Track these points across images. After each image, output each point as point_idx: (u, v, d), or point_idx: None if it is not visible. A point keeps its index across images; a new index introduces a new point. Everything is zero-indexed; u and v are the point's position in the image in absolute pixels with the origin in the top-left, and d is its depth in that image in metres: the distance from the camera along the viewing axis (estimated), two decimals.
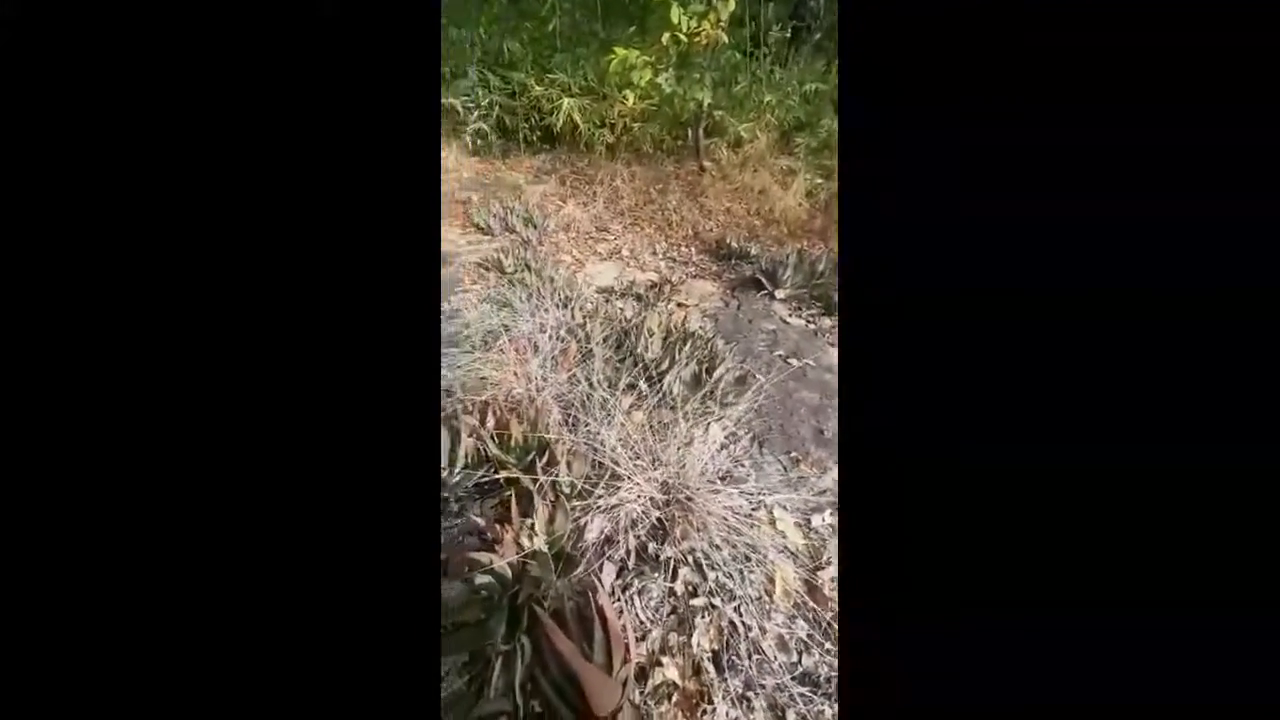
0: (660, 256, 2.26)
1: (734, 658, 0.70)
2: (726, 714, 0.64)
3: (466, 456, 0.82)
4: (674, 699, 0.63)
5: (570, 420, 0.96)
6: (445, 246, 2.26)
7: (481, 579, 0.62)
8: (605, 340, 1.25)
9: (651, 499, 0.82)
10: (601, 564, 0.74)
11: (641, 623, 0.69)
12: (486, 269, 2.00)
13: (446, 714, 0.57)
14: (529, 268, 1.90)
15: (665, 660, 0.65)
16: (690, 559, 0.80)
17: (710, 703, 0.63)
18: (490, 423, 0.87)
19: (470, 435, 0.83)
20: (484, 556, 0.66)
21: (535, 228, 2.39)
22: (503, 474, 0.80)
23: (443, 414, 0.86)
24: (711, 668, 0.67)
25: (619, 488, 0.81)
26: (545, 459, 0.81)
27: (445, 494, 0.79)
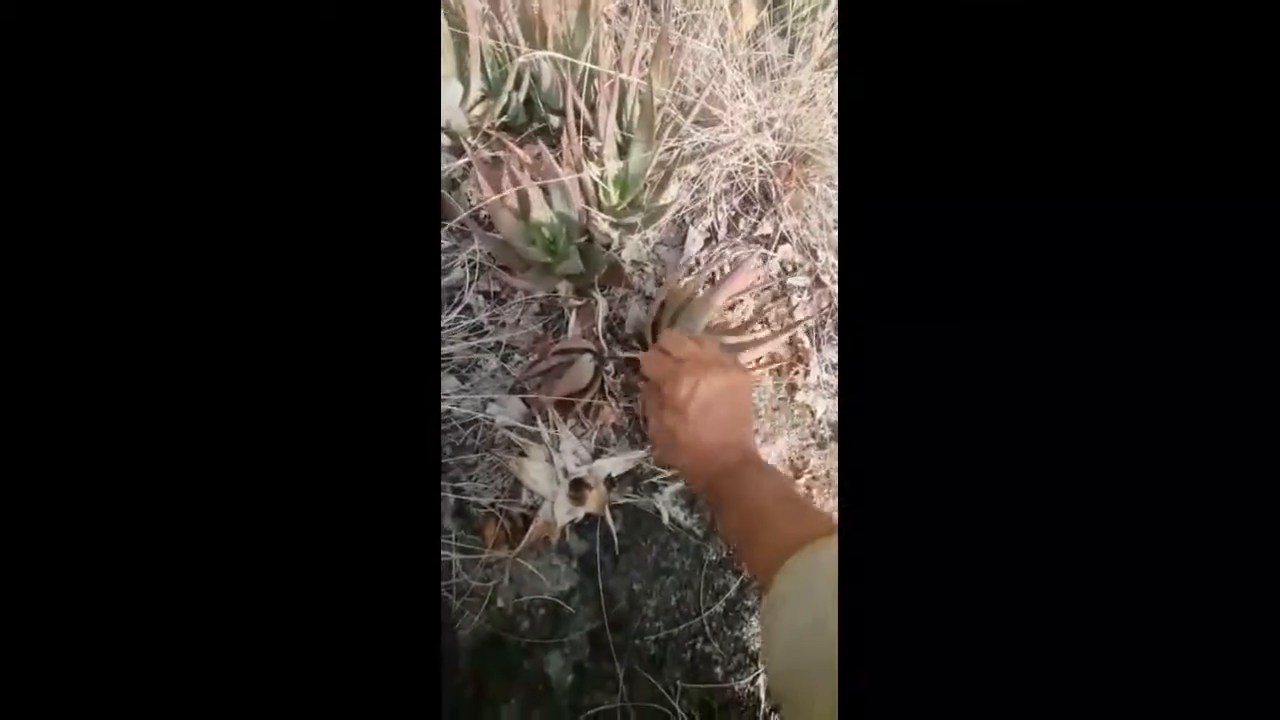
0: None
1: (832, 333, 0.62)
2: (819, 378, 0.61)
3: (485, 67, 0.53)
4: (763, 361, 0.58)
5: (636, 21, 0.60)
6: None
7: (539, 216, 0.46)
8: None
9: (760, 149, 0.57)
10: (685, 233, 0.58)
11: (735, 296, 0.58)
12: None
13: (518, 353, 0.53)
14: None
15: (759, 328, 0.56)
16: (797, 236, 0.62)
17: (805, 365, 0.58)
18: (511, 18, 0.53)
19: (487, 33, 0.51)
20: (535, 193, 0.48)
21: None
22: (538, 54, 0.52)
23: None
24: (807, 338, 0.60)
25: (715, 124, 0.55)
26: (604, 63, 0.51)
27: (465, 139, 0.55)
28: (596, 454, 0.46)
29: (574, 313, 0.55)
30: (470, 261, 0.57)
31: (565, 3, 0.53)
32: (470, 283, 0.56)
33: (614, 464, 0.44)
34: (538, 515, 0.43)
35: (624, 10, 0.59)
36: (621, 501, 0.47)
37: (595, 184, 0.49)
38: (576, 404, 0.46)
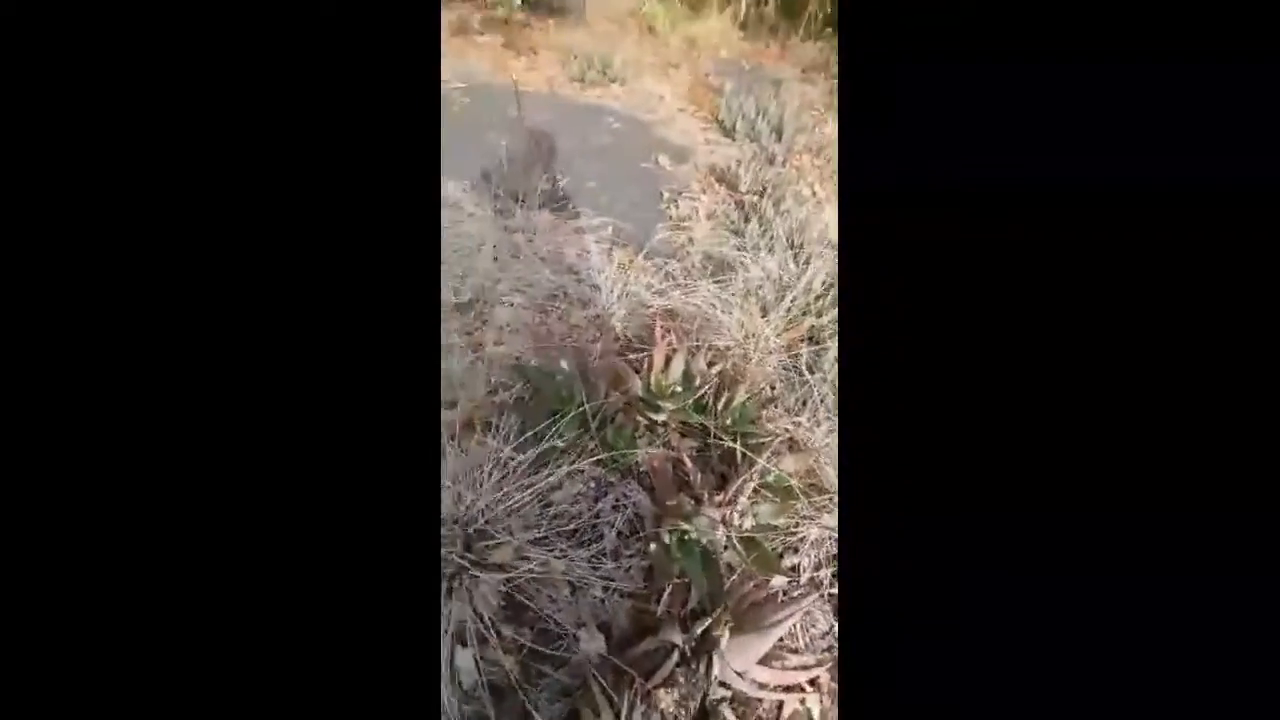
0: None
1: None
2: None
3: (692, 399, 0.83)
4: None
5: (788, 407, 0.89)
6: (682, 139, 2.13)
7: (699, 530, 0.67)
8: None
9: None
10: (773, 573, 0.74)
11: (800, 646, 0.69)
12: (719, 179, 1.84)
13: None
14: (765, 193, 1.68)
15: (809, 688, 0.65)
16: None
17: None
18: (711, 372, 0.86)
19: (700, 382, 0.83)
20: (688, 503, 0.70)
21: (781, 140, 2.05)
22: (721, 440, 0.80)
23: (660, 335, 0.87)
24: None
25: (829, 502, 0.75)
26: (761, 442, 0.77)
27: (659, 417, 0.84)
28: None
29: (670, 584, 0.70)
30: (619, 504, 0.79)
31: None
32: (612, 522, 0.77)
33: None
34: None
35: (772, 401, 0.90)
36: None
37: (730, 535, 0.70)
38: (650, 688, 0.58)
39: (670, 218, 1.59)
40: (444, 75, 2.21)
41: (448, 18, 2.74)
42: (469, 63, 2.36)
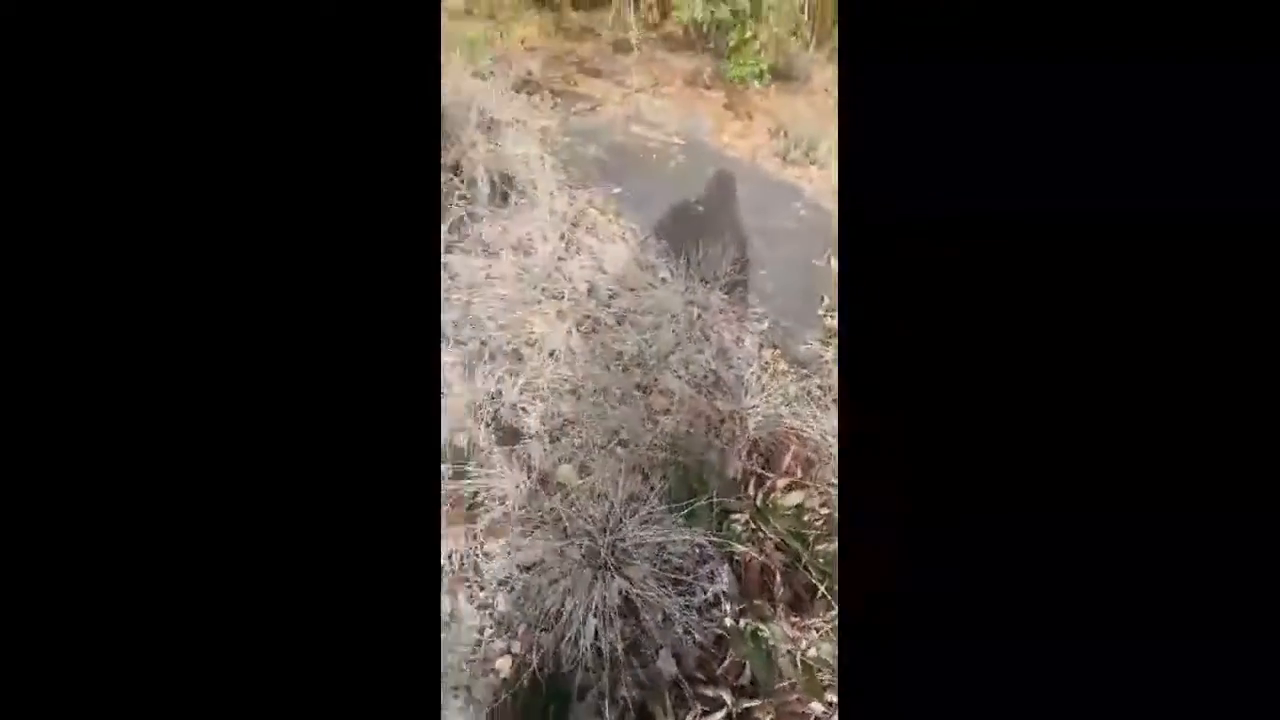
0: None
1: None
2: None
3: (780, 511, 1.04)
4: None
5: None
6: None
7: (772, 635, 0.90)
8: None
9: None
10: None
11: None
12: None
13: None
14: None
15: None
16: None
17: None
18: (821, 512, 1.04)
19: (808, 518, 1.03)
20: (768, 607, 0.92)
21: None
22: (808, 572, 1.00)
23: (788, 464, 1.07)
24: None
25: None
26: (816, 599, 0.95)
27: (766, 530, 1.06)
28: None
29: (732, 659, 0.94)
30: (713, 577, 1.04)
31: None
32: (705, 588, 1.03)
33: None
34: None
35: None
36: None
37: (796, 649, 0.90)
38: None
39: (823, 328, 1.71)
40: (670, 129, 2.55)
41: (683, 66, 3.07)
42: (695, 117, 2.66)
